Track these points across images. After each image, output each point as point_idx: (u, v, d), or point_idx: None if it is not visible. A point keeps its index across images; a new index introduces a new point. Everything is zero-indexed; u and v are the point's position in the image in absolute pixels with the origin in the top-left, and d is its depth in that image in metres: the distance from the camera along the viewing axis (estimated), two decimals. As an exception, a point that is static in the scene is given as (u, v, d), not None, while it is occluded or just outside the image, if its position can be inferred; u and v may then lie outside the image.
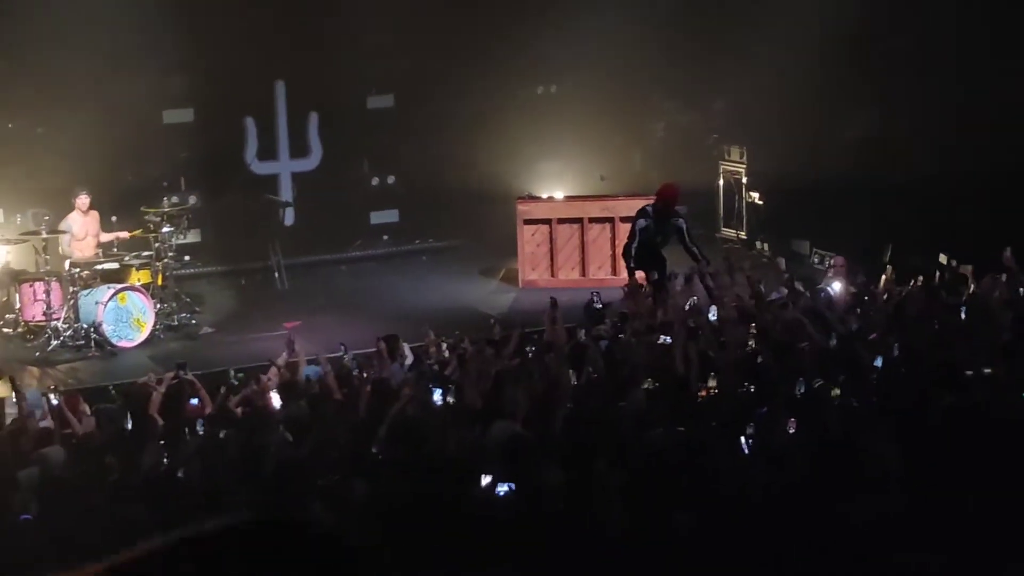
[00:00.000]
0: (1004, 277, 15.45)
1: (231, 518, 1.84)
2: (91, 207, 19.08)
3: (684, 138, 25.01)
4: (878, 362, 12.36)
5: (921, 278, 16.36)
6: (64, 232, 18.63)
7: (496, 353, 13.89)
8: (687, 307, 15.15)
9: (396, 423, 11.31)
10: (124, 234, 19.32)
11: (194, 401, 13.50)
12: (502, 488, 9.19)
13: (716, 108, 24.71)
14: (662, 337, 13.78)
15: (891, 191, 20.68)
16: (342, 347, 15.32)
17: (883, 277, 17.02)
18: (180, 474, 10.59)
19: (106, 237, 19.22)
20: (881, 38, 21.80)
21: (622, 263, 20.37)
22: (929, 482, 8.92)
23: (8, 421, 12.83)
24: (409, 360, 14.59)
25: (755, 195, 22.76)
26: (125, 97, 21.15)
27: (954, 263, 17.28)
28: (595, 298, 16.68)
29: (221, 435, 11.51)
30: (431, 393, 12.22)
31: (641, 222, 17.83)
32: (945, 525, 8.34)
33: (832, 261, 18.96)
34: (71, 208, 18.98)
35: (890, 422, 10.23)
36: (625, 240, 18.39)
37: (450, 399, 12.20)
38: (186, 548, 1.78)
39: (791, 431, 10.24)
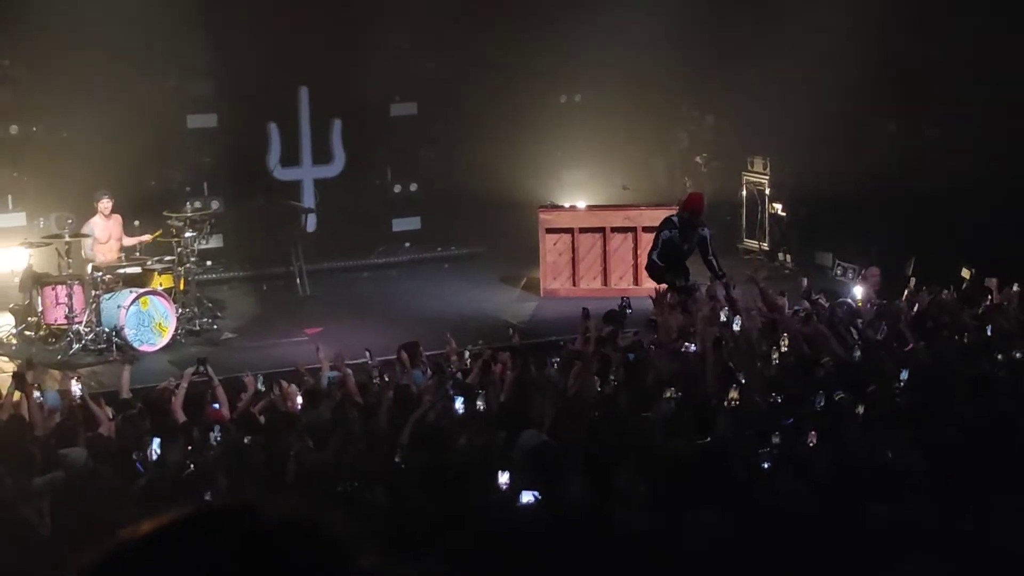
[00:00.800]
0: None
1: (190, 507, 1.79)
2: (114, 211, 19.10)
3: (708, 148, 24.96)
4: (904, 374, 12.30)
5: (946, 291, 16.34)
6: (86, 236, 18.65)
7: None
8: (711, 317, 15.09)
9: (418, 430, 11.29)
10: (146, 237, 19.33)
11: (216, 405, 13.49)
12: (527, 496, 9.15)
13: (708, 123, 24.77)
14: (686, 345, 13.75)
15: (915, 202, 20.63)
16: (367, 353, 15.28)
17: (906, 289, 16.96)
18: (214, 477, 10.56)
19: (129, 241, 19.23)
20: (908, 48, 21.75)
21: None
22: (954, 491, 8.87)
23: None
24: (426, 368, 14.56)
25: (778, 206, 22.71)
26: (149, 102, 21.20)
27: (971, 273, 17.20)
28: (625, 302, 16.61)
29: (246, 440, 11.48)
30: (453, 400, 12.18)
31: (666, 233, 17.82)
32: (968, 534, 8.31)
33: (866, 272, 18.83)
34: (94, 212, 19.01)
35: (914, 433, 10.19)
36: (649, 250, 18.39)
37: (479, 405, 12.16)
38: (140, 542, 1.74)
39: (812, 443, 10.21)
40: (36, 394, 13.56)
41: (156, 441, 11.55)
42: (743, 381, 12.09)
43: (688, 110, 25.37)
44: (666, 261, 17.66)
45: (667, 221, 18.03)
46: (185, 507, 1.78)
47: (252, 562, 1.68)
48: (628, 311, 15.70)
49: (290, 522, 1.75)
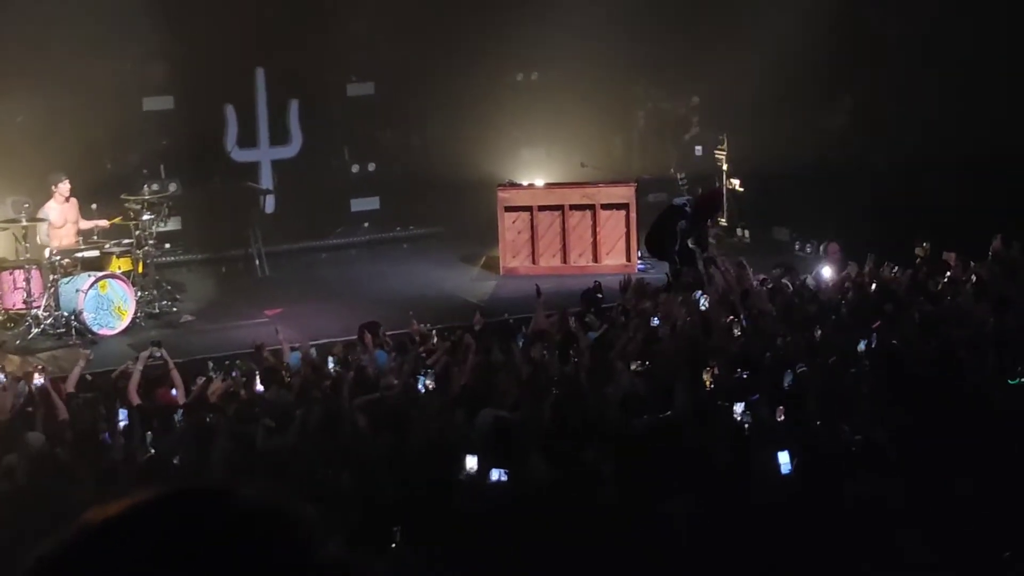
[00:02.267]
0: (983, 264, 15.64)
1: (146, 492, 1.77)
2: (71, 194, 18.98)
3: (664, 125, 25.02)
4: (861, 346, 12.38)
5: (911, 266, 16.45)
6: (42, 220, 18.53)
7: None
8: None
9: (379, 410, 11.32)
10: (104, 222, 19.21)
11: (174, 392, 13.49)
12: (495, 474, 9.19)
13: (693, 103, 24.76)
14: (654, 320, 13.81)
15: (871, 177, 20.73)
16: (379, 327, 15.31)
17: (867, 265, 17.04)
18: (176, 461, 10.56)
19: (86, 225, 19.12)
20: (861, 24, 21.84)
21: (604, 249, 20.49)
22: (920, 465, 8.94)
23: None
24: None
25: (736, 182, 22.76)
26: (105, 85, 21.09)
27: (926, 249, 17.28)
28: (596, 284, 16.66)
29: (208, 420, 11.48)
30: (416, 381, 12.20)
31: (682, 223, 18.02)
32: (936, 507, 8.38)
33: (826, 247, 18.91)
34: (49, 196, 18.89)
35: (877, 407, 10.27)
36: (652, 232, 18.62)
37: (430, 385, 12.20)
38: (98, 529, 1.72)
39: (780, 419, 10.27)
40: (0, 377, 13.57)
41: (123, 413, 11.56)
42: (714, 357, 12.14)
43: (645, 87, 25.38)
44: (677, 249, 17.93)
45: (679, 210, 18.20)
46: (151, 488, 1.77)
47: (222, 546, 1.68)
48: (599, 296, 15.75)
49: (260, 506, 1.74)
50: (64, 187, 18.83)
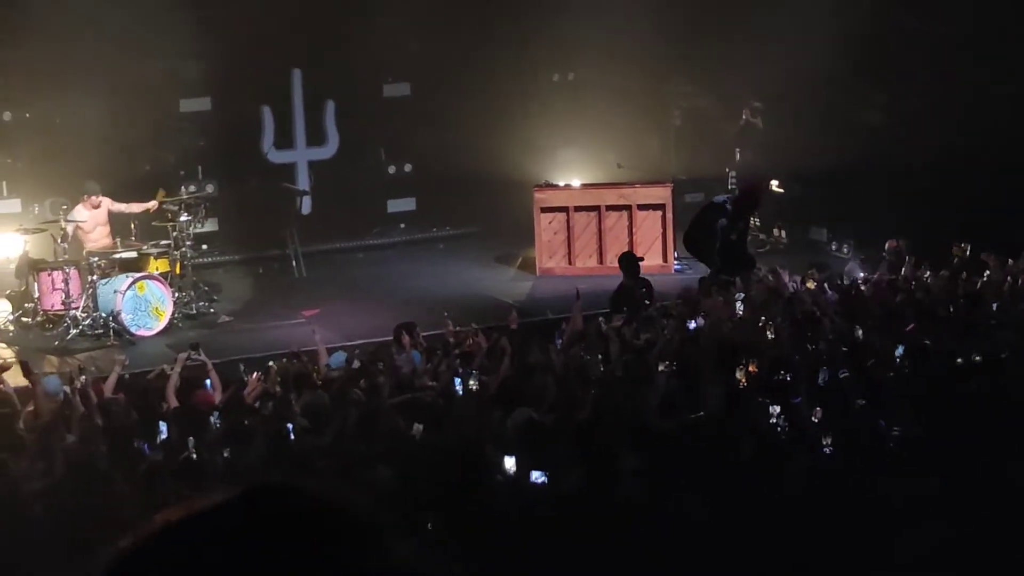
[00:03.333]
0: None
1: (224, 492, 1.77)
2: (103, 196, 19.07)
3: (701, 124, 24.96)
4: (899, 350, 12.33)
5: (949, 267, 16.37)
6: (70, 221, 18.58)
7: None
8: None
9: (415, 411, 11.33)
10: (152, 203, 19.21)
11: (208, 383, 13.54)
12: (535, 476, 9.18)
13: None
14: (692, 323, 13.78)
15: (908, 176, 20.63)
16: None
17: (905, 266, 16.96)
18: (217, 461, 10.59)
19: (137, 208, 19.21)
20: (896, 20, 21.75)
21: (640, 250, 20.45)
22: (954, 463, 8.91)
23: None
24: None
25: (774, 183, 22.68)
26: (142, 86, 21.21)
27: (964, 249, 17.19)
28: (644, 291, 16.64)
29: (246, 422, 11.51)
30: (452, 381, 12.20)
31: (723, 221, 17.93)
32: (970, 503, 8.35)
33: (888, 245, 18.59)
34: (80, 200, 18.98)
35: (915, 406, 10.24)
36: (690, 231, 18.57)
37: (472, 385, 12.20)
38: (176, 527, 1.73)
39: (816, 419, 10.24)
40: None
41: (164, 425, 11.61)
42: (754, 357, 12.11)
43: (680, 87, 25.32)
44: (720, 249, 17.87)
45: (719, 207, 18.13)
46: (224, 487, 1.78)
47: (294, 544, 1.68)
48: (647, 303, 15.73)
49: (329, 504, 1.75)
50: (95, 199, 18.91)
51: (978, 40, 20.86)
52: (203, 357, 14.14)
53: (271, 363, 14.77)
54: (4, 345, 17.82)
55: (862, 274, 17.36)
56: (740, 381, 11.56)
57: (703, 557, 8.12)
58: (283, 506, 1.74)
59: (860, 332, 13.25)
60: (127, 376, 14.86)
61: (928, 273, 16.28)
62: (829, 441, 9.46)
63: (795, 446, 9.74)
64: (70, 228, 18.55)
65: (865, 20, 21.15)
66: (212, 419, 11.72)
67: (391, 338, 15.18)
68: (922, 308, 14.27)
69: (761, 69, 22.37)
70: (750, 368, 11.79)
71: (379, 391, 12.09)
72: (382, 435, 10.79)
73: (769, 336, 13.35)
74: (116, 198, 19.31)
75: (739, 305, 14.86)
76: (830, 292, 15.78)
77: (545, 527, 8.61)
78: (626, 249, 20.46)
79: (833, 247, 21.14)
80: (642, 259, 18.37)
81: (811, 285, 16.15)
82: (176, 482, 9.99)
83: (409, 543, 1.73)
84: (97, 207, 18.97)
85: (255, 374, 13.80)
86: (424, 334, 15.27)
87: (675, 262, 20.69)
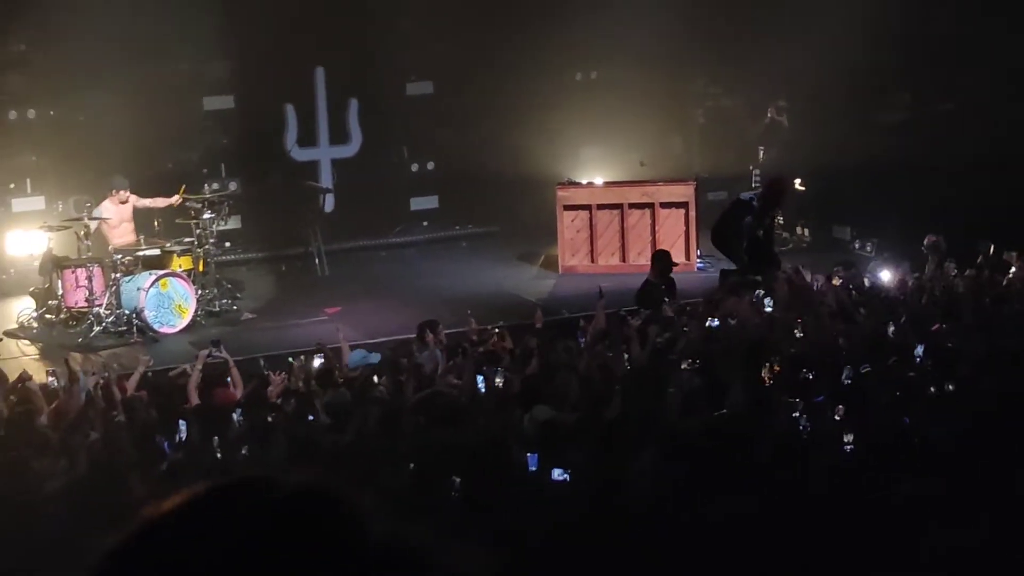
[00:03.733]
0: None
1: (200, 484, 1.81)
2: (130, 192, 19.13)
3: (725, 123, 24.93)
4: (919, 349, 12.29)
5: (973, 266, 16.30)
6: (96, 219, 18.63)
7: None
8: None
9: (436, 408, 11.33)
10: (175, 198, 19.27)
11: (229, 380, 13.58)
12: (556, 473, 9.18)
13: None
14: (710, 320, 13.75)
15: (932, 175, 20.57)
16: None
17: (929, 266, 16.91)
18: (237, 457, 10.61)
19: (161, 202, 19.27)
20: (923, 19, 21.69)
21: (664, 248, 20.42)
22: (978, 464, 8.87)
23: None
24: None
25: (797, 181, 22.63)
26: (166, 84, 21.30)
27: (987, 248, 17.12)
28: (664, 289, 16.58)
29: (269, 419, 11.53)
30: (474, 378, 12.20)
31: (749, 219, 17.89)
32: (992, 506, 8.31)
33: (928, 240, 18.38)
34: (107, 196, 19.04)
35: (939, 406, 10.21)
36: (717, 228, 18.51)
37: (498, 382, 12.20)
38: (155, 522, 1.76)
39: (838, 417, 10.22)
40: (51, 379, 13.65)
41: (183, 424, 11.63)
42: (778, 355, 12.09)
43: (704, 85, 25.30)
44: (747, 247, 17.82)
45: (745, 204, 18.06)
46: (201, 483, 1.81)
47: (272, 531, 1.71)
48: (666, 300, 15.67)
49: (305, 491, 1.77)
50: (123, 195, 18.98)
51: (1007, 40, 20.77)
52: (224, 354, 14.16)
53: (290, 359, 14.80)
54: (28, 342, 17.88)
55: (887, 273, 17.28)
56: (764, 380, 11.53)
57: (724, 557, 8.10)
58: (255, 494, 1.77)
59: (890, 329, 13.21)
60: (150, 373, 14.90)
61: (955, 272, 16.21)
62: (851, 439, 9.44)
63: (816, 445, 9.71)
64: (94, 223, 18.59)
65: (893, 19, 21.10)
66: (235, 416, 11.72)
67: (413, 336, 15.19)
68: (948, 308, 14.23)
69: (787, 68, 22.33)
70: (774, 367, 11.77)
71: (400, 389, 12.09)
72: (404, 433, 10.79)
73: (796, 335, 13.32)
74: (140, 195, 19.36)
75: (764, 302, 14.81)
76: (854, 290, 15.73)
77: (566, 525, 8.60)
78: (649, 248, 20.49)
79: (856, 245, 21.06)
80: (676, 264, 18.27)
81: (836, 282, 16.10)
82: (198, 480, 10.00)
83: (390, 523, 1.75)
84: (124, 203, 19.03)
85: (280, 373, 13.81)
86: (447, 331, 15.27)
87: (697, 260, 20.67)
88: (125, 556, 1.74)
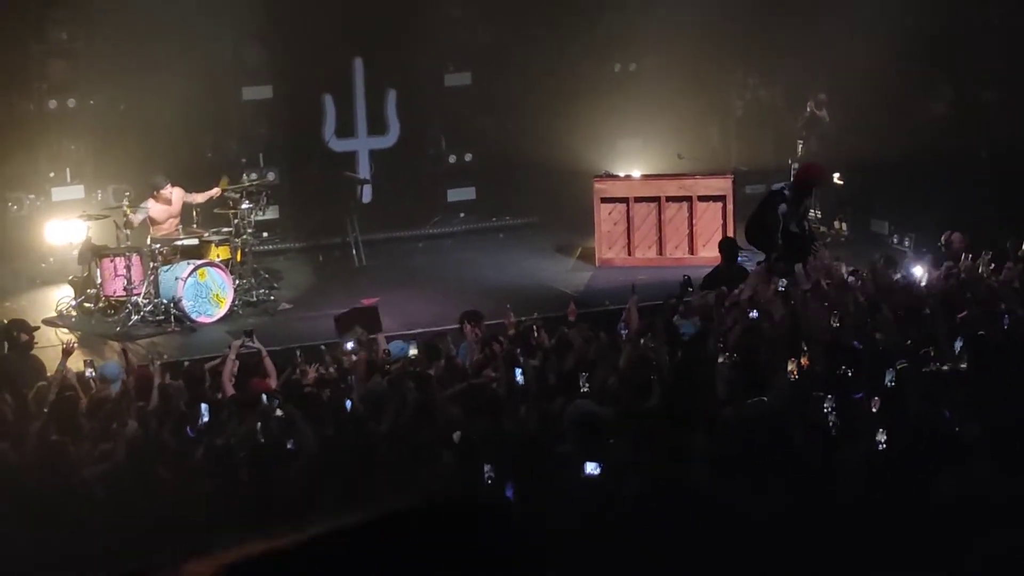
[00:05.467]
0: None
1: (404, 501, 1.83)
2: (172, 187, 19.16)
3: (764, 115, 24.87)
4: (958, 344, 12.23)
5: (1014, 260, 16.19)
6: (142, 210, 18.70)
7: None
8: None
9: (474, 399, 11.35)
10: (216, 191, 19.31)
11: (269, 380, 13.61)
12: (590, 467, 9.16)
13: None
14: (752, 312, 13.69)
15: (972, 169, 20.47)
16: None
17: (964, 260, 16.80)
18: (289, 445, 10.64)
19: (201, 198, 19.30)
20: (962, 10, 21.60)
21: (700, 241, 20.42)
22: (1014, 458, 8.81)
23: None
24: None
25: (836, 175, 22.54)
26: (204, 74, 21.32)
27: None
28: (687, 279, 16.47)
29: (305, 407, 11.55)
30: (513, 371, 12.18)
31: (783, 207, 17.78)
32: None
33: (948, 237, 18.32)
34: (150, 196, 19.08)
35: (973, 399, 10.17)
36: (752, 221, 18.41)
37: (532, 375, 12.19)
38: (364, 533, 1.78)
39: (875, 410, 10.18)
40: (88, 371, 13.71)
41: (204, 407, 11.67)
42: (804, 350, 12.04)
43: (743, 77, 25.23)
44: (781, 237, 17.71)
45: (779, 196, 17.95)
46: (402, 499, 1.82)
47: (472, 546, 1.73)
48: (690, 288, 15.58)
49: (485, 506, 1.79)
50: (166, 192, 19.01)
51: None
52: (257, 344, 14.19)
53: (322, 347, 14.82)
54: (67, 330, 17.97)
55: (919, 268, 17.19)
56: (792, 373, 11.49)
57: (758, 551, 8.08)
58: (456, 510, 1.79)
59: (925, 317, 13.18)
60: (186, 362, 14.97)
61: (992, 266, 16.09)
62: (884, 437, 9.38)
63: (850, 439, 9.66)
64: (140, 217, 18.65)
65: (934, 11, 21.01)
66: (271, 405, 11.74)
67: (452, 327, 15.20)
68: (980, 299, 14.16)
69: (826, 59, 22.27)
70: (802, 361, 11.73)
71: (436, 381, 12.10)
72: (440, 424, 10.80)
73: (833, 324, 13.27)
74: (179, 185, 19.35)
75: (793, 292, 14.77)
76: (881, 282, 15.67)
77: (606, 520, 8.59)
78: (687, 241, 20.54)
79: (895, 240, 20.96)
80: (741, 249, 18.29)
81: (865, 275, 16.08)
82: (241, 468, 10.09)
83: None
84: (168, 202, 19.05)
85: (314, 366, 13.84)
86: (486, 323, 15.26)
87: (740, 254, 20.59)
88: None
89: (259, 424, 11.02)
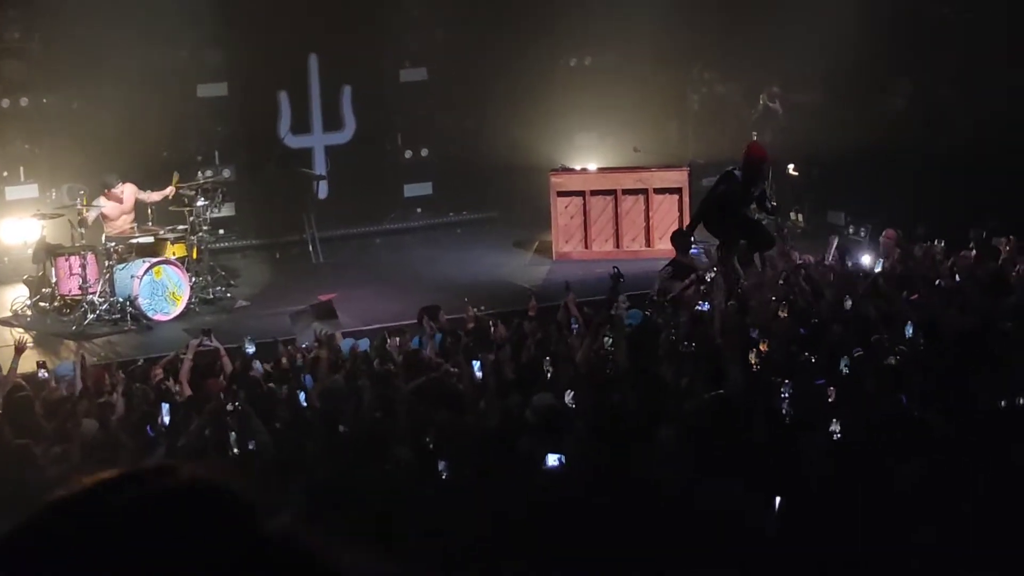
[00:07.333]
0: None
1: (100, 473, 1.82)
2: (124, 183, 19.07)
3: (720, 109, 24.93)
4: (908, 329, 12.30)
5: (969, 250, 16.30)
6: (94, 207, 18.59)
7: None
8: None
9: (434, 393, 11.33)
10: (169, 190, 19.18)
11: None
12: (552, 459, 9.16)
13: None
14: (700, 304, 13.74)
15: (928, 161, 20.56)
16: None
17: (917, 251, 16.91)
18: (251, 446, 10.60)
19: (155, 197, 19.18)
20: (920, 5, 21.69)
21: (657, 234, 20.46)
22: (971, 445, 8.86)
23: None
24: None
25: (791, 166, 22.61)
26: (160, 72, 21.26)
27: (979, 232, 17.11)
28: (616, 270, 16.41)
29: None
30: (471, 365, 12.18)
31: (722, 187, 17.82)
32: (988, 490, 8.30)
33: (884, 234, 18.56)
34: (103, 194, 18.99)
35: (932, 386, 10.23)
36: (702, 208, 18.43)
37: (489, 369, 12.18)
38: (51, 508, 1.78)
39: (830, 399, 10.21)
40: (41, 372, 13.64)
41: (165, 407, 11.61)
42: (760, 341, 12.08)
43: (699, 72, 25.28)
44: (722, 217, 17.67)
45: (727, 175, 18.00)
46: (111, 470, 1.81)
47: (163, 520, 1.71)
48: (621, 279, 15.55)
49: (198, 483, 1.77)
50: (117, 190, 18.92)
51: (1008, 27, 20.73)
52: (215, 343, 14.16)
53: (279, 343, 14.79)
54: (22, 330, 17.86)
55: (870, 257, 17.31)
56: (753, 364, 11.52)
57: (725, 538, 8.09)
58: (148, 484, 1.77)
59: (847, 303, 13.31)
60: (141, 361, 14.90)
61: (943, 254, 16.19)
62: (838, 426, 9.40)
63: (807, 427, 9.69)
64: (93, 214, 18.56)
65: (892, 5, 21.08)
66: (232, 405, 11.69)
67: (410, 322, 15.18)
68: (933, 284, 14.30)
69: (781, 54, 22.32)
70: (761, 347, 11.78)
71: (394, 375, 12.08)
72: (400, 418, 10.78)
73: (781, 315, 13.32)
74: (136, 184, 19.25)
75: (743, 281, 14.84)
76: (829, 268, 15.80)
77: (562, 509, 8.58)
78: (643, 234, 20.57)
79: (851, 230, 21.05)
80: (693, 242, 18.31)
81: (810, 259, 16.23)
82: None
83: (284, 519, 1.76)
84: (120, 200, 18.96)
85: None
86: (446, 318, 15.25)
87: (692, 246, 20.61)
88: (17, 541, 1.75)
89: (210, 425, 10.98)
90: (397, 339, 13.80)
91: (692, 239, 18.31)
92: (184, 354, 13.64)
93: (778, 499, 8.32)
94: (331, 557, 1.74)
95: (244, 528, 1.73)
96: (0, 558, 1.74)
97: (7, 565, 1.73)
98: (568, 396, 10.68)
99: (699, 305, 13.84)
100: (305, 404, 11.81)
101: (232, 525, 1.73)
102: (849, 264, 16.66)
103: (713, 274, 15.15)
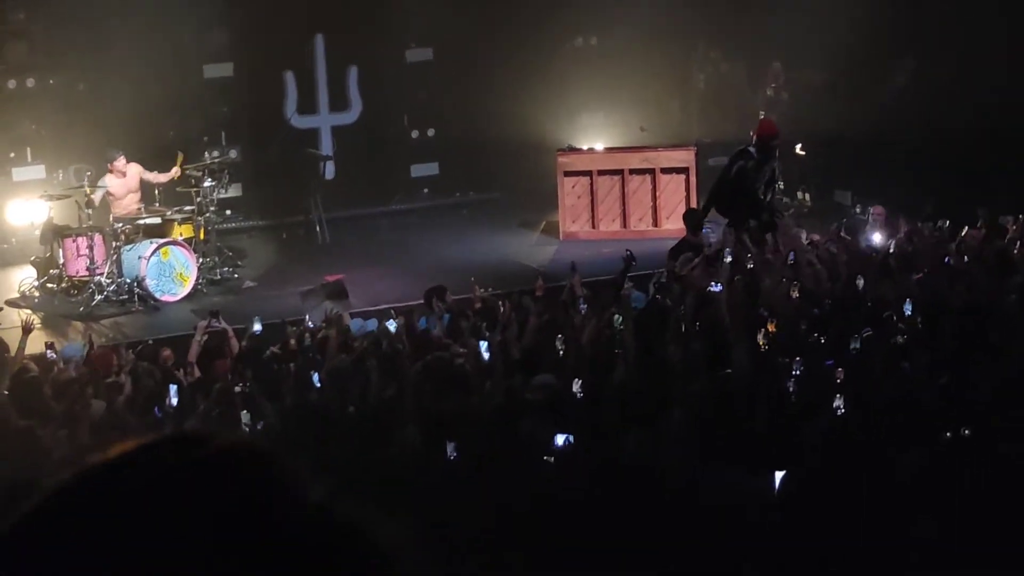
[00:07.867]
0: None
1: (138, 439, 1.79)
2: (129, 162, 19.07)
3: (725, 88, 24.89)
4: (907, 307, 12.28)
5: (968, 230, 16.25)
6: (100, 187, 18.60)
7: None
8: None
9: (441, 374, 11.33)
10: (175, 171, 19.21)
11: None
12: (560, 439, 9.17)
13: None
14: (713, 285, 13.71)
15: (935, 141, 20.52)
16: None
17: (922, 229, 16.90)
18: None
19: (162, 178, 19.21)
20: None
21: (664, 213, 20.42)
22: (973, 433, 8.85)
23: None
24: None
25: (797, 146, 22.57)
26: (166, 52, 21.23)
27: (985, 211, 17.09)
28: (629, 254, 16.37)
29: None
30: (478, 345, 12.18)
31: (740, 163, 17.79)
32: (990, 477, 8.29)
33: (872, 211, 18.72)
34: (108, 171, 19.00)
35: (935, 366, 10.22)
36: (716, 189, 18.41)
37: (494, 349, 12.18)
38: (88, 474, 1.74)
39: (839, 381, 10.20)
40: (49, 352, 13.65)
41: (173, 388, 11.63)
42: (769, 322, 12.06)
43: (705, 51, 25.24)
44: (734, 195, 17.66)
45: (741, 152, 17.99)
46: (139, 438, 1.78)
47: (196, 487, 1.68)
48: (634, 263, 15.54)
49: (238, 449, 1.74)
50: (120, 164, 18.94)
51: (1012, 8, 20.69)
52: (223, 324, 14.17)
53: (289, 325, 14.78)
54: (30, 311, 17.87)
55: (879, 236, 17.29)
56: (761, 345, 11.51)
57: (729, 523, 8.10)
58: (187, 451, 1.74)
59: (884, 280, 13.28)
60: (151, 341, 14.92)
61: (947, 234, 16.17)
62: (841, 403, 9.40)
63: (811, 412, 9.67)
64: (99, 195, 18.57)
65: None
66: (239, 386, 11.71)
67: (417, 303, 15.19)
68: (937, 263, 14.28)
69: (788, 34, 22.27)
70: (769, 327, 11.76)
71: (401, 356, 12.08)
72: (407, 399, 10.78)
73: (793, 295, 13.31)
74: (142, 165, 19.28)
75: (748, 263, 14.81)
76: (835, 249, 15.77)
77: (566, 493, 8.60)
78: (651, 213, 20.56)
79: (857, 210, 21.02)
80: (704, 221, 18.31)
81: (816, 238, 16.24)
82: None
83: (323, 491, 1.73)
84: (124, 174, 18.98)
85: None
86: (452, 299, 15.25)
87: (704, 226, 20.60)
88: (54, 504, 1.71)
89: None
90: (402, 319, 13.78)
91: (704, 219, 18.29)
92: (200, 337, 13.64)
93: (779, 475, 8.32)
94: (370, 530, 1.73)
95: (286, 496, 1.71)
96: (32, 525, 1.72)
97: (42, 540, 1.71)
98: (576, 384, 10.64)
99: (711, 286, 13.79)
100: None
101: (274, 492, 1.69)
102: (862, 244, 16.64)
103: (723, 253, 15.12)
